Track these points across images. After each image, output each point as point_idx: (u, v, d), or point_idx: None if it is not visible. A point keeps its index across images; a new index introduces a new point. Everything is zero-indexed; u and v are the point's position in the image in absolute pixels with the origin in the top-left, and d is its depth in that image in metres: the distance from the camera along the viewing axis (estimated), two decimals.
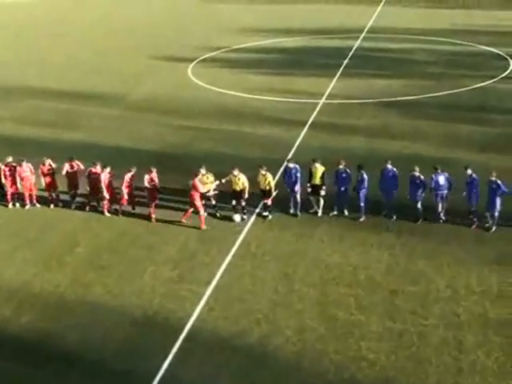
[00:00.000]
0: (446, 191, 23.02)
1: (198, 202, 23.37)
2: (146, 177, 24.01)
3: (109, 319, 18.51)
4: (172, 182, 25.64)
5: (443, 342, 17.02)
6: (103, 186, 24.21)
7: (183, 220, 23.74)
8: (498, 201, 22.26)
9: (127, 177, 24.32)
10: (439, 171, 23.03)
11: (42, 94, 41.43)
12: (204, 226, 23.39)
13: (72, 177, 25.40)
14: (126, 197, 24.39)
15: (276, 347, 17.09)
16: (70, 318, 18.67)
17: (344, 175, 23.83)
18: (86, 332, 17.97)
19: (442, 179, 22.92)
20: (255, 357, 16.80)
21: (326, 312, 18.43)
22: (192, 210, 23.65)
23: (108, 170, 24.42)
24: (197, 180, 23.38)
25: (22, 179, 25.61)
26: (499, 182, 22.26)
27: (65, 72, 47.30)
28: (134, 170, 24.44)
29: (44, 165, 25.42)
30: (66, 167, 25.22)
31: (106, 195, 24.33)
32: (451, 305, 18.52)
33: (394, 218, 23.44)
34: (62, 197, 25.75)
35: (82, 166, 25.38)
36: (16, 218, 25.02)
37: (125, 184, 24.28)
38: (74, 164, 25.36)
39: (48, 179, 25.51)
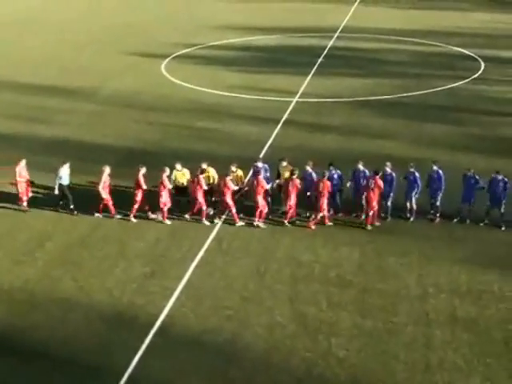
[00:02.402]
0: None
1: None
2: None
3: (78, 315, 18.38)
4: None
5: (412, 339, 17.17)
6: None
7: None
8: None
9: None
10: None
11: (14, 88, 41.00)
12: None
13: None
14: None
15: (246, 344, 17.10)
16: (38, 313, 18.50)
17: (309, 178, 23.41)
18: (54, 327, 17.83)
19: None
20: (225, 353, 16.80)
21: (296, 309, 18.49)
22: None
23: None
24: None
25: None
26: (477, 176, 22.89)
27: (37, 67, 46.83)
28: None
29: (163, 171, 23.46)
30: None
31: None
32: (420, 302, 18.70)
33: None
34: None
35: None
36: None
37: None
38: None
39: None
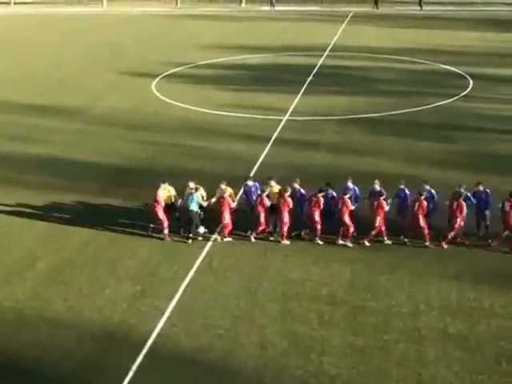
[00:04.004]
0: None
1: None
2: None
3: (69, 335, 18.26)
4: (133, 196, 25.50)
5: (404, 356, 17.14)
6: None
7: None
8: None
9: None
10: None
11: (4, 108, 40.97)
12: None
13: None
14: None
15: (238, 362, 17.04)
16: (28, 333, 18.38)
17: (298, 195, 23.38)
18: (44, 348, 17.72)
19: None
20: (217, 372, 16.72)
21: (288, 327, 18.44)
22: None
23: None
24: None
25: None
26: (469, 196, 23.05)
27: (27, 86, 46.88)
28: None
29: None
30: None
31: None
32: (412, 320, 18.69)
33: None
34: None
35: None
36: None
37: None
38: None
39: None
